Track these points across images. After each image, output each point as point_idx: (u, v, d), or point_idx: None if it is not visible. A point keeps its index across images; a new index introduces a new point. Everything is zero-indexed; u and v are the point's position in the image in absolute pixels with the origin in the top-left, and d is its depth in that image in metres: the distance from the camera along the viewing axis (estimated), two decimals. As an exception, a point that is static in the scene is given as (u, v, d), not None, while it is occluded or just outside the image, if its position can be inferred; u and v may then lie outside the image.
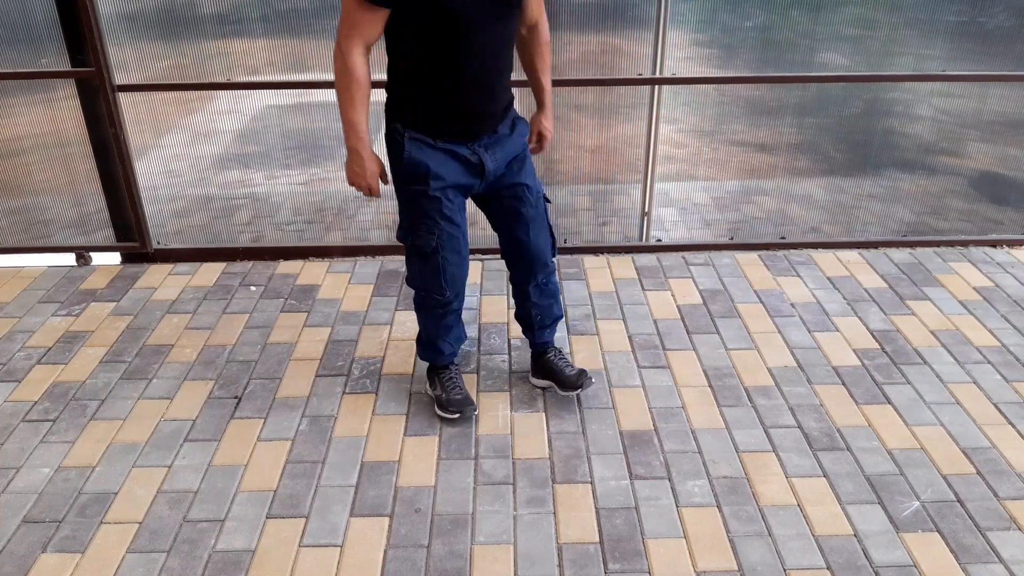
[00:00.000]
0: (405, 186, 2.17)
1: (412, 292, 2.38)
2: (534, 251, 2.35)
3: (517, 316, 2.56)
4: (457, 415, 2.41)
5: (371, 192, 2.17)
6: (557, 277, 2.47)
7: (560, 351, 2.58)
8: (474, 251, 3.41)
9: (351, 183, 2.16)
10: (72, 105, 3.14)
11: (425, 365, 2.63)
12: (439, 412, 2.45)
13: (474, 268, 3.30)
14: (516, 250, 2.37)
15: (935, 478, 2.22)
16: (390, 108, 2.16)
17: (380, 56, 2.15)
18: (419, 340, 2.51)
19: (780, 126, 3.31)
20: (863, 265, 3.36)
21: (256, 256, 3.43)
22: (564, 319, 2.96)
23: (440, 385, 2.48)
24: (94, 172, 3.27)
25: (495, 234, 2.42)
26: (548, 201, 2.36)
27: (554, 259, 2.43)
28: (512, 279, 2.48)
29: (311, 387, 2.61)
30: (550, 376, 2.54)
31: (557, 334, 2.86)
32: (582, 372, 2.48)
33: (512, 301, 2.57)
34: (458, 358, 2.58)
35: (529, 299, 2.46)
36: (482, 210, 2.36)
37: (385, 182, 2.21)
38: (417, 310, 2.41)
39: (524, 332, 2.58)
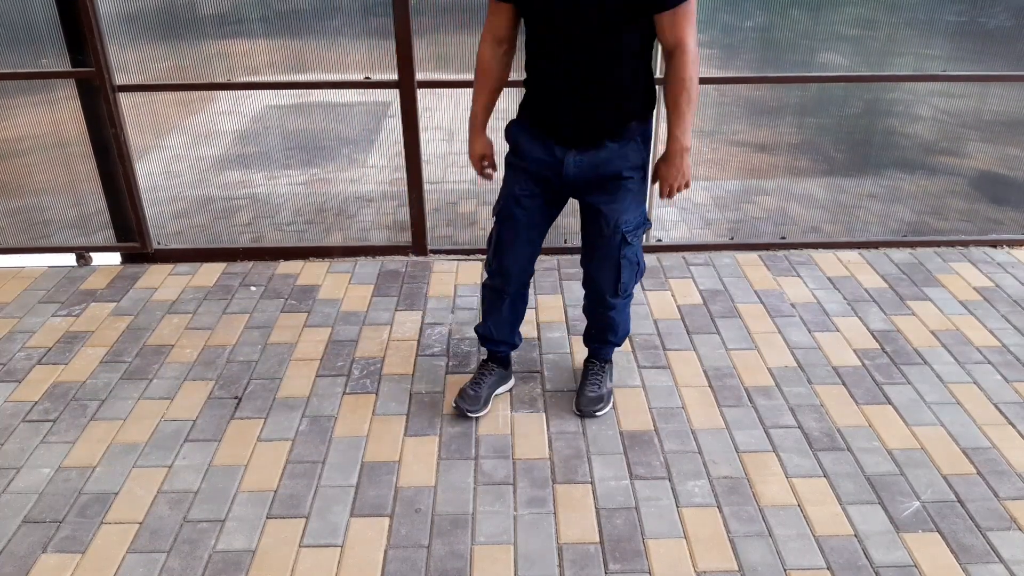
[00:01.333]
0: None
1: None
2: (592, 281, 2.31)
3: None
4: (454, 408, 2.43)
5: (478, 173, 2.31)
6: (620, 316, 2.39)
7: (601, 367, 2.53)
8: (474, 251, 3.41)
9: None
10: (72, 105, 3.14)
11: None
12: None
13: (475, 268, 3.30)
14: (584, 263, 2.34)
15: (935, 478, 2.22)
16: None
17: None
18: None
19: (780, 126, 3.31)
20: (863, 265, 3.36)
21: (256, 256, 3.43)
22: (564, 319, 2.97)
23: (475, 372, 2.53)
24: (94, 172, 3.27)
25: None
26: (628, 244, 2.19)
27: (618, 299, 2.32)
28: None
29: (311, 387, 2.61)
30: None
31: (557, 334, 2.87)
32: (596, 400, 2.46)
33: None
34: (505, 360, 2.55)
35: (584, 307, 2.45)
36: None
37: (492, 167, 2.30)
38: None
39: None
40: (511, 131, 2.21)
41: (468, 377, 2.63)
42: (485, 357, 2.56)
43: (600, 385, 2.49)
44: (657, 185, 2.22)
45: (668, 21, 1.92)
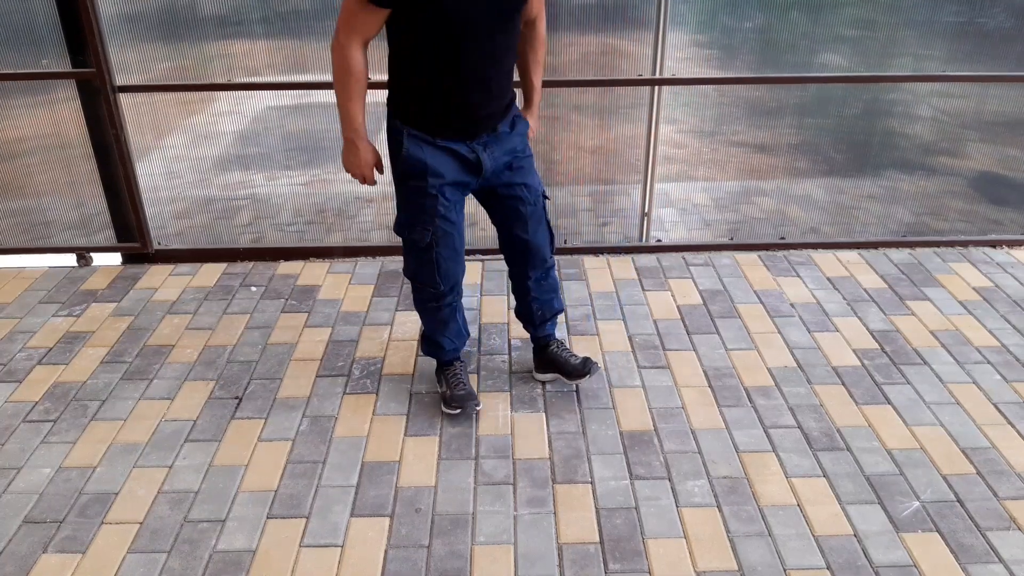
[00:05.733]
0: (403, 182, 2.19)
1: (412, 290, 2.40)
2: (532, 248, 2.38)
3: (517, 312, 2.58)
4: (458, 411, 2.42)
5: (365, 181, 2.24)
6: (556, 272, 2.48)
7: (562, 343, 2.60)
8: (474, 251, 3.41)
9: (347, 171, 2.24)
10: (73, 106, 3.14)
11: (431, 364, 2.64)
12: (444, 409, 2.46)
13: (474, 268, 3.31)
14: (515, 247, 2.39)
15: (935, 478, 2.22)
16: (391, 104, 2.18)
17: (381, 55, 2.17)
18: (421, 336, 2.54)
19: (780, 127, 3.32)
20: (863, 265, 3.36)
21: (257, 257, 3.43)
22: (564, 319, 2.97)
23: (445, 382, 2.50)
24: (95, 173, 3.28)
25: (495, 235, 2.43)
26: (547, 198, 2.37)
27: (552, 256, 2.45)
28: (511, 275, 2.51)
29: (312, 387, 2.61)
30: (555, 368, 2.55)
31: (558, 334, 2.87)
32: (587, 360, 2.50)
33: (512, 300, 2.58)
34: (462, 354, 2.59)
35: (529, 293, 2.48)
36: (482, 206, 2.38)
37: (380, 171, 2.27)
38: (415, 305, 2.44)
39: (525, 327, 2.60)
40: (410, 154, 2.14)
41: (469, 376, 2.64)
42: (448, 361, 2.52)
43: (574, 353, 2.56)
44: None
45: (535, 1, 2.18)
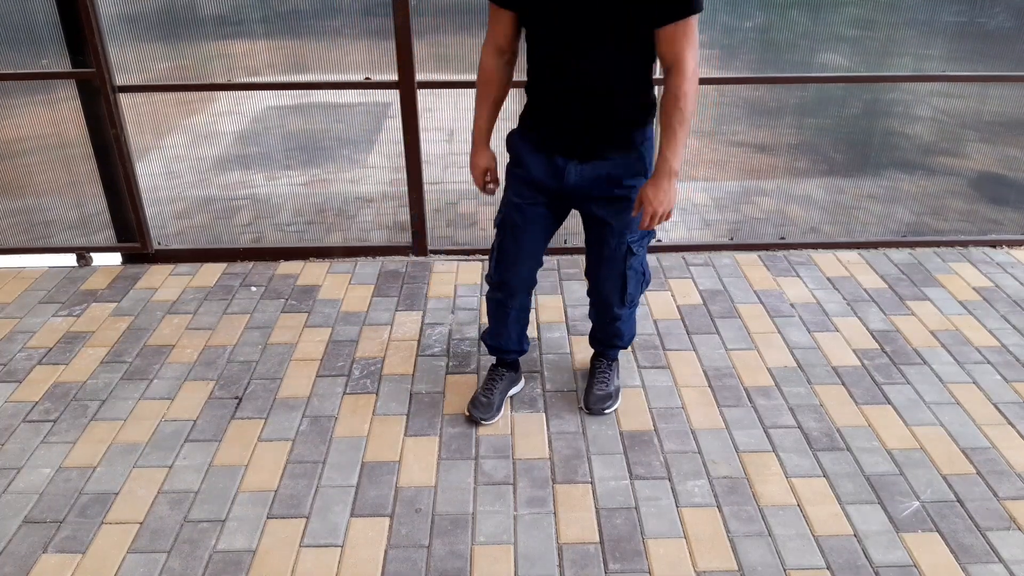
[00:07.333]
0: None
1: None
2: (598, 292, 2.32)
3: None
4: (467, 415, 2.44)
5: (476, 184, 2.25)
6: (625, 326, 2.41)
7: (608, 365, 2.54)
8: (474, 251, 3.41)
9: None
10: (73, 106, 3.14)
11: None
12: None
13: (474, 268, 3.31)
14: (588, 274, 2.34)
15: (935, 478, 2.23)
16: None
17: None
18: None
19: (780, 127, 3.32)
20: (863, 265, 3.36)
21: (257, 257, 3.43)
22: (565, 319, 2.97)
23: (486, 378, 2.51)
24: (95, 173, 3.28)
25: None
26: (634, 254, 2.19)
27: (625, 309, 2.34)
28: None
29: (311, 387, 2.61)
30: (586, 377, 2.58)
31: (557, 334, 2.87)
32: (606, 397, 2.47)
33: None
34: (514, 364, 2.54)
35: (590, 314, 2.46)
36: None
37: (495, 181, 2.25)
38: None
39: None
40: (512, 141, 2.18)
41: (469, 377, 2.64)
42: (494, 362, 2.55)
43: (608, 383, 2.50)
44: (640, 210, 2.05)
45: (666, 36, 1.87)
